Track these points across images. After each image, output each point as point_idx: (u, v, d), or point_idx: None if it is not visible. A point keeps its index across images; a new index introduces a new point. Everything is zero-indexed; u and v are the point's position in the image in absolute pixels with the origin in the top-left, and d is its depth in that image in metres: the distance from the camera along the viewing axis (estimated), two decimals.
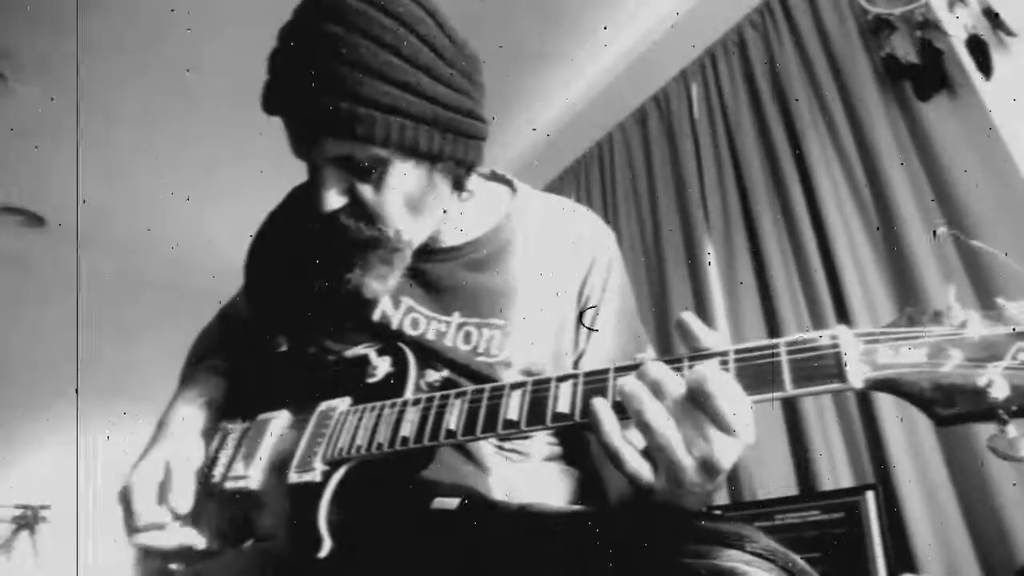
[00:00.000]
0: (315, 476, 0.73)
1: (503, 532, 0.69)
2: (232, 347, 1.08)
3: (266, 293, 1.03)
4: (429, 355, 0.88)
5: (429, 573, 0.69)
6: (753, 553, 0.51)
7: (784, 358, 0.54)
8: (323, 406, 0.81)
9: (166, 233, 3.55)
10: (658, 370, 0.55)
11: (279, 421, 0.84)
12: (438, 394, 0.71)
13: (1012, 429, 0.46)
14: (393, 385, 0.79)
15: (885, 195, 1.63)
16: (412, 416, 0.71)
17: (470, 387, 0.70)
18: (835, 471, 1.59)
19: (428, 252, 0.91)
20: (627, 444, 0.56)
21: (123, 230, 3.47)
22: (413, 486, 0.79)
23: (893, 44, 1.65)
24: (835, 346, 0.52)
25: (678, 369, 0.57)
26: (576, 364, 0.93)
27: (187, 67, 2.50)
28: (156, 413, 0.96)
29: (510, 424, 0.63)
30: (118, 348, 3.98)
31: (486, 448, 0.87)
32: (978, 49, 1.49)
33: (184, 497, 0.80)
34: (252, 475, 0.79)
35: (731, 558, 0.51)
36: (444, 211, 0.89)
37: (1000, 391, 0.45)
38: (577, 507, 0.89)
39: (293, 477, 0.75)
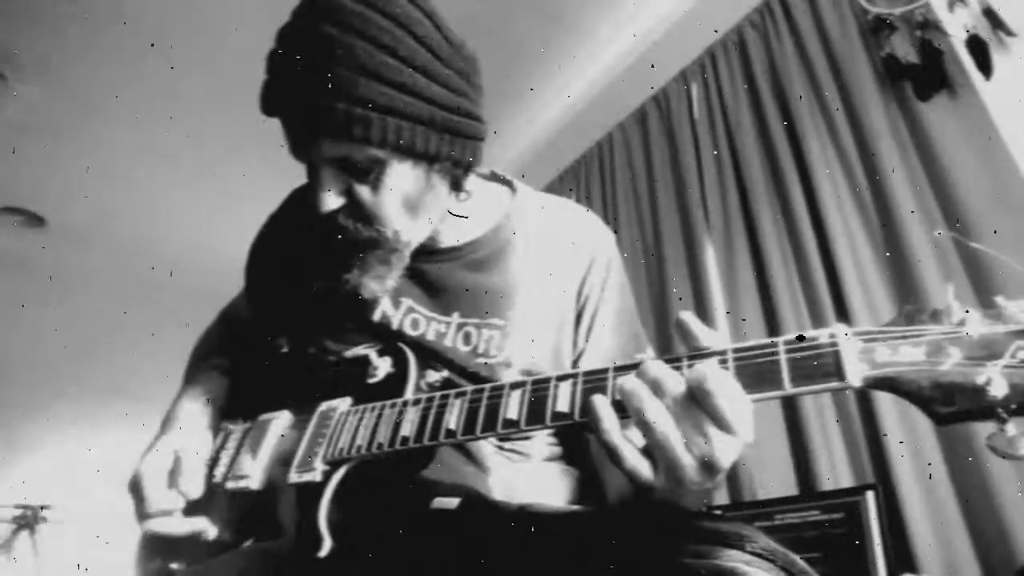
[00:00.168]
0: (316, 476, 0.73)
1: (503, 532, 0.69)
2: (233, 348, 1.08)
3: (266, 294, 1.03)
4: (429, 355, 0.88)
5: (429, 573, 0.70)
6: (753, 553, 0.51)
7: (783, 357, 0.54)
8: (324, 406, 0.82)
9: (166, 233, 3.55)
10: (658, 369, 0.56)
11: (280, 421, 0.84)
12: (438, 394, 0.71)
13: (1011, 427, 0.46)
14: (393, 385, 0.79)
15: (885, 195, 1.63)
16: (412, 416, 0.71)
17: (470, 387, 0.70)
18: (835, 471, 1.59)
19: (427, 253, 0.92)
20: (626, 441, 0.56)
21: (123, 230, 3.47)
22: (413, 486, 0.80)
23: (893, 44, 1.65)
24: (834, 345, 0.52)
25: (677, 368, 0.57)
26: (575, 364, 0.93)
27: (187, 68, 2.50)
28: (156, 413, 0.96)
29: (510, 424, 0.63)
30: (118, 348, 3.98)
31: (486, 448, 0.87)
32: (978, 49, 1.49)
33: (195, 482, 0.81)
34: (253, 475, 0.80)
35: (731, 558, 0.51)
36: (446, 212, 0.89)
37: (999, 389, 0.45)
38: (577, 507, 0.89)
39: (294, 477, 0.75)
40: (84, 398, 4.05)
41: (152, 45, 2.39)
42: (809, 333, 0.54)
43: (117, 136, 2.84)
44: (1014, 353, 0.46)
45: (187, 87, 2.60)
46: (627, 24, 2.51)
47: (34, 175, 3.03)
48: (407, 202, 0.82)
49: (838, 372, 0.51)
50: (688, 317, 0.59)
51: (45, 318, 3.85)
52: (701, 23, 2.30)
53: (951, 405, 0.47)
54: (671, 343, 2.14)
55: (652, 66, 2.47)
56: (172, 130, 2.83)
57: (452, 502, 0.77)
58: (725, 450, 0.53)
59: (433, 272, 0.92)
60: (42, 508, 3.66)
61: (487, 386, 0.68)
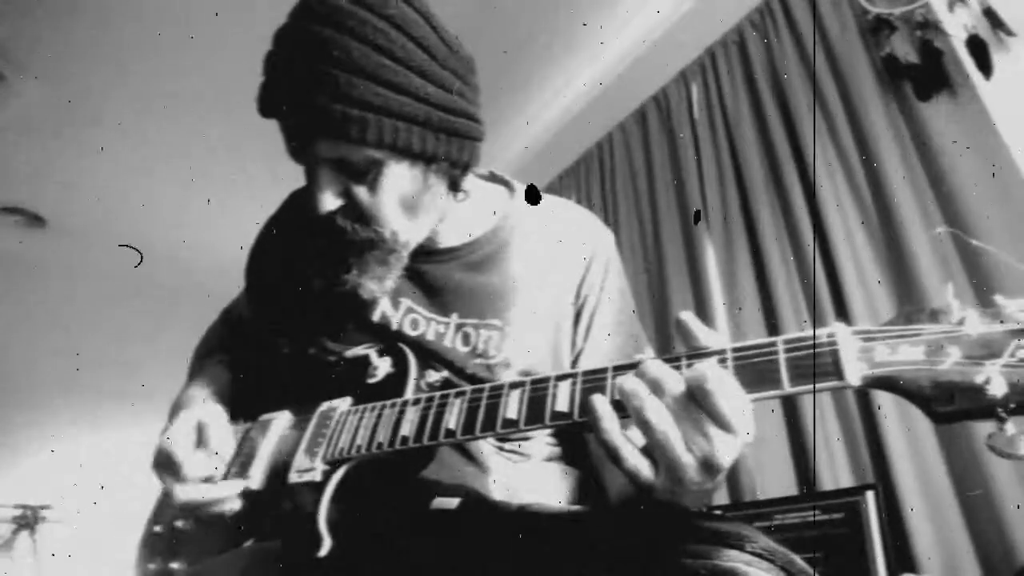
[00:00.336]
0: (316, 476, 0.74)
1: (503, 532, 0.69)
2: (234, 347, 1.08)
3: (266, 295, 1.03)
4: (429, 356, 0.88)
5: (429, 573, 0.70)
6: (753, 553, 0.51)
7: (782, 356, 0.54)
8: (324, 406, 0.82)
9: (166, 233, 3.55)
10: (657, 368, 0.56)
11: (280, 421, 0.84)
12: (438, 394, 0.71)
13: (1010, 427, 0.46)
14: (393, 385, 0.79)
15: (885, 195, 1.63)
16: (412, 416, 0.71)
17: (469, 387, 0.70)
18: (835, 471, 1.59)
19: (426, 253, 0.92)
20: (626, 441, 0.56)
21: (123, 230, 3.47)
22: (413, 486, 0.80)
23: (893, 44, 1.65)
24: (833, 344, 0.52)
25: (676, 368, 0.57)
26: (574, 364, 0.93)
27: (187, 68, 2.50)
28: (157, 413, 0.96)
29: (509, 423, 0.63)
30: (118, 348, 3.98)
31: (486, 448, 0.88)
32: (978, 49, 1.49)
33: (226, 442, 0.81)
34: (253, 475, 0.79)
35: (731, 558, 0.51)
36: (444, 212, 0.89)
37: (998, 388, 0.45)
38: (577, 507, 0.89)
39: (294, 477, 0.75)
40: (84, 398, 4.05)
41: (152, 46, 2.39)
42: (808, 332, 0.54)
43: (117, 136, 2.84)
44: (1013, 352, 0.46)
45: (187, 87, 2.60)
46: (627, 24, 2.51)
47: (34, 175, 3.03)
48: (405, 202, 0.82)
49: (837, 371, 0.51)
50: (688, 317, 0.59)
51: (45, 318, 3.85)
52: (701, 23, 2.30)
53: (950, 404, 0.47)
54: (671, 343, 2.14)
55: (652, 66, 2.47)
56: (172, 130, 2.83)
57: (452, 502, 0.77)
58: (725, 449, 0.53)
59: (432, 273, 0.92)
60: (42, 508, 3.66)
61: (486, 386, 0.68)
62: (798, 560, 0.53)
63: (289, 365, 0.96)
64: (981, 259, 1.43)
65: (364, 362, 0.85)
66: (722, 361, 0.56)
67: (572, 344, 0.94)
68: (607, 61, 2.65)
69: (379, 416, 0.74)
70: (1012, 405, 0.45)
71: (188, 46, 2.42)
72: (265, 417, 0.86)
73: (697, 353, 0.58)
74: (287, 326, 0.97)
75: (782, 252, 1.87)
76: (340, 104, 0.73)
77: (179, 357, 1.18)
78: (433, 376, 0.85)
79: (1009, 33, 1.48)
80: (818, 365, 0.52)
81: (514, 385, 0.66)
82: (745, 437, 0.53)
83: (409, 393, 0.77)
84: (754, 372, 0.54)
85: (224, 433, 0.82)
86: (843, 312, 1.64)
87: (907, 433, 1.47)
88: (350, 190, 0.80)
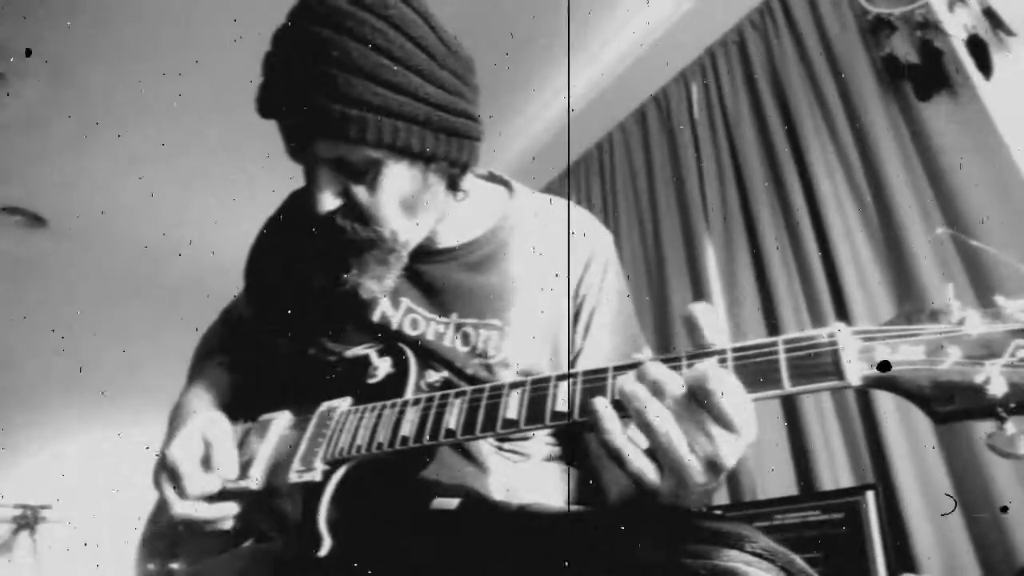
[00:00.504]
0: (316, 476, 0.74)
1: (503, 532, 0.69)
2: (234, 347, 1.08)
3: (266, 295, 1.03)
4: (428, 355, 0.88)
5: (429, 573, 0.70)
6: (753, 553, 0.51)
7: (782, 356, 0.54)
8: (324, 406, 0.82)
9: (166, 233, 3.55)
10: (657, 370, 0.55)
11: (280, 421, 0.84)
12: (438, 394, 0.71)
13: (1010, 426, 0.46)
14: (394, 385, 0.79)
15: (885, 195, 1.63)
16: (412, 416, 0.71)
17: (469, 387, 0.70)
18: (835, 471, 1.59)
19: (425, 254, 0.92)
20: (629, 443, 0.56)
21: (123, 230, 3.47)
22: (413, 486, 0.80)
23: (893, 44, 1.65)
24: (833, 344, 0.52)
25: (676, 368, 0.57)
26: (572, 364, 0.93)
27: (187, 68, 2.50)
28: (157, 412, 0.96)
29: (509, 423, 0.63)
30: (118, 348, 3.98)
31: (486, 448, 0.88)
32: (978, 49, 1.49)
33: (231, 462, 0.80)
34: (254, 475, 0.79)
35: (731, 558, 0.51)
36: (443, 211, 0.89)
37: (998, 388, 0.45)
38: (577, 507, 0.89)
39: (294, 477, 0.75)
40: (84, 398, 4.05)
41: (152, 46, 2.39)
42: (808, 332, 0.54)
43: (117, 136, 2.84)
44: (1013, 352, 0.46)
45: (187, 87, 2.60)
46: (627, 24, 2.51)
47: (34, 175, 3.03)
48: (404, 202, 0.82)
49: (837, 371, 0.51)
50: (699, 310, 0.58)
51: (46, 318, 3.85)
52: (701, 23, 2.30)
53: (950, 404, 0.47)
54: (671, 343, 2.14)
55: (652, 66, 2.47)
56: (172, 130, 2.83)
57: (452, 502, 0.77)
58: (729, 449, 0.53)
59: (431, 273, 0.92)
60: (42, 508, 3.66)
61: (487, 386, 0.68)
62: (798, 560, 0.53)
63: (289, 365, 0.96)
64: (981, 259, 1.43)
65: (364, 362, 0.85)
66: (722, 361, 0.56)
67: (571, 344, 0.94)
68: (607, 61, 2.65)
69: (379, 416, 0.74)
70: (1012, 405, 0.45)
71: (188, 46, 2.42)
72: (265, 417, 0.86)
73: (697, 353, 0.58)
74: (287, 326, 0.97)
75: (782, 252, 1.87)
76: (339, 104, 0.73)
77: (179, 357, 1.18)
78: (433, 376, 0.85)
79: (1009, 33, 1.48)
80: (819, 365, 0.52)
81: (514, 385, 0.66)
82: (748, 436, 0.53)
83: (409, 393, 0.77)
84: (754, 372, 0.54)
85: (229, 450, 0.81)
86: (843, 312, 1.64)
87: (907, 433, 1.47)
88: (349, 190, 0.80)
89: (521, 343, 0.89)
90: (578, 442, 0.94)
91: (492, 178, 1.02)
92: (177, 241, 3.58)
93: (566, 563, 0.59)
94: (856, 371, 0.51)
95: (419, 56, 0.77)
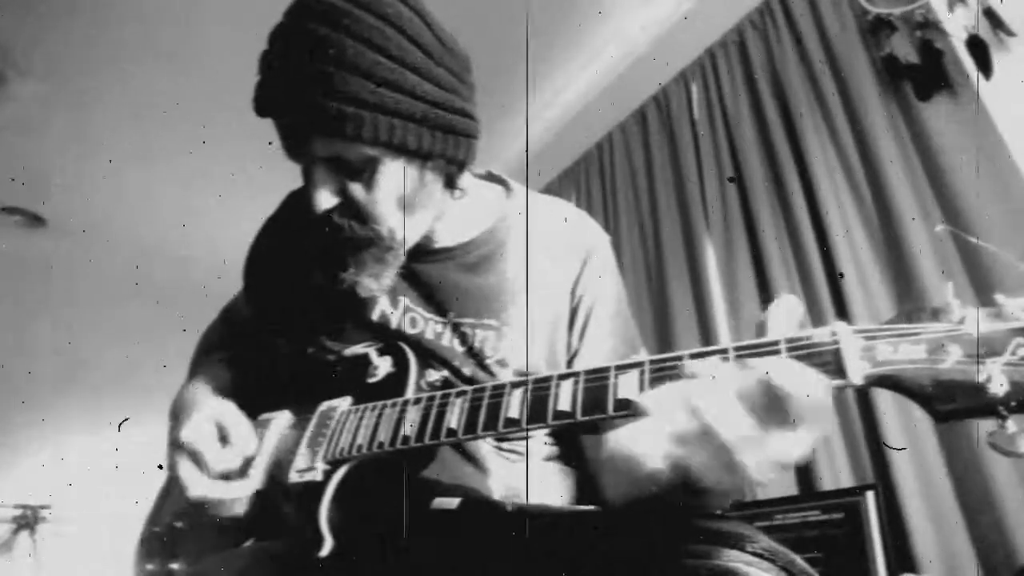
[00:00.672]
0: (316, 475, 0.74)
1: (503, 532, 0.69)
2: (234, 346, 1.08)
3: (265, 295, 1.03)
4: (427, 355, 0.88)
5: (429, 573, 0.70)
6: (753, 553, 0.51)
7: (784, 355, 0.54)
8: (324, 406, 0.82)
9: (165, 233, 3.55)
10: (711, 366, 0.53)
11: (280, 421, 0.84)
12: (439, 393, 0.71)
13: (1011, 425, 0.46)
14: (394, 385, 0.79)
15: (885, 195, 1.63)
16: (413, 415, 0.71)
17: (470, 387, 0.70)
18: (835, 471, 1.59)
19: (423, 253, 0.92)
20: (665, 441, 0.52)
21: (123, 230, 3.47)
22: (413, 486, 0.80)
23: (893, 44, 1.65)
24: (835, 343, 0.52)
25: (675, 367, 0.57)
26: (569, 364, 0.93)
27: (187, 68, 2.50)
28: (156, 413, 0.96)
29: (511, 423, 0.63)
30: (118, 348, 3.98)
31: (485, 448, 0.87)
32: (978, 49, 1.49)
33: (249, 437, 0.80)
34: (254, 475, 0.79)
35: (731, 558, 0.51)
36: (441, 209, 0.89)
37: (999, 387, 0.45)
38: (577, 507, 0.89)
39: (294, 476, 0.75)
40: (84, 398, 4.05)
41: (152, 46, 2.39)
42: (809, 331, 0.54)
43: (117, 136, 2.84)
44: (1014, 350, 0.46)
45: (187, 87, 2.60)
46: (627, 24, 2.51)
47: (34, 175, 3.03)
48: (401, 200, 0.81)
49: (839, 370, 0.51)
50: (788, 306, 0.56)
51: (45, 318, 3.84)
52: (701, 23, 2.30)
53: (951, 403, 0.47)
54: (671, 343, 2.14)
55: (652, 66, 2.47)
56: (171, 130, 2.83)
57: (452, 502, 0.77)
58: (794, 446, 0.49)
59: (428, 272, 0.92)
60: (42, 508, 3.66)
61: (488, 385, 0.68)
62: (799, 560, 0.53)
63: (289, 365, 0.96)
64: (981, 258, 1.43)
65: (364, 361, 0.85)
66: (724, 360, 0.56)
67: (567, 345, 0.94)
68: (607, 61, 2.65)
69: (380, 415, 0.74)
70: (1013, 403, 0.45)
71: (188, 46, 2.42)
72: (265, 417, 0.86)
73: (699, 352, 0.58)
74: (286, 325, 0.97)
75: (782, 252, 1.87)
76: (335, 101, 0.73)
77: (179, 357, 1.18)
78: (433, 375, 0.85)
79: (1009, 33, 1.48)
80: (821, 364, 0.52)
81: (516, 384, 0.66)
82: (818, 430, 0.49)
83: (410, 392, 0.77)
84: None
85: (246, 427, 0.81)
86: (843, 312, 1.64)
87: (907, 433, 1.47)
88: (346, 188, 0.80)
89: (518, 343, 0.89)
90: (576, 442, 0.94)
91: (490, 178, 1.02)
92: (177, 241, 3.58)
93: (566, 563, 0.59)
94: (858, 370, 0.50)
95: (416, 54, 0.77)
